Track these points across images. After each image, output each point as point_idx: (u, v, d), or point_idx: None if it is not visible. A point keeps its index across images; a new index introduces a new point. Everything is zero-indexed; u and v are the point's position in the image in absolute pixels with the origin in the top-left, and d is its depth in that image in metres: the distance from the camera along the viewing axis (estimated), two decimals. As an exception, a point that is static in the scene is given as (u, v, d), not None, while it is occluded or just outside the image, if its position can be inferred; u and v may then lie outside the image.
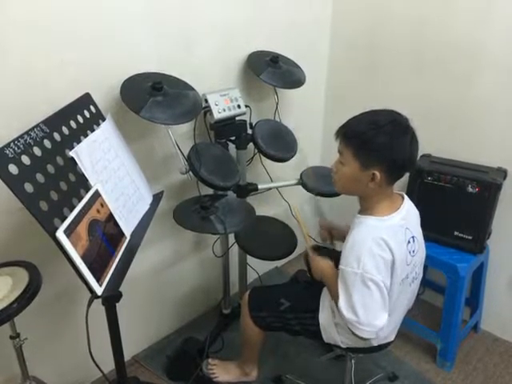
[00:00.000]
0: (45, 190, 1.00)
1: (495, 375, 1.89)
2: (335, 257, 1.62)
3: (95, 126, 1.29)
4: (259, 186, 1.88)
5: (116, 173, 1.29)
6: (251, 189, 1.85)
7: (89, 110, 1.29)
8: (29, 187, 0.96)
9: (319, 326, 1.40)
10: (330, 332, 1.39)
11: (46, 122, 1.09)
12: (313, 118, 2.40)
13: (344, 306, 1.21)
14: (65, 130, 1.15)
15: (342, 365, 1.63)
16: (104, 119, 1.35)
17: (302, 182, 1.91)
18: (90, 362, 1.15)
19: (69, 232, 0.99)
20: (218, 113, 1.68)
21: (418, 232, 1.32)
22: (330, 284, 1.33)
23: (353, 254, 1.20)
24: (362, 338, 1.23)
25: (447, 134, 1.98)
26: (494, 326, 2.10)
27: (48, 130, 1.09)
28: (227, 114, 1.71)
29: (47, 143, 1.07)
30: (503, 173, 1.82)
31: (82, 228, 1.05)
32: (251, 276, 2.16)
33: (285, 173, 2.02)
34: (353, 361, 1.55)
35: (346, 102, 2.30)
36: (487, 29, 1.77)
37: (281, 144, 1.84)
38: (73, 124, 1.20)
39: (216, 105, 1.68)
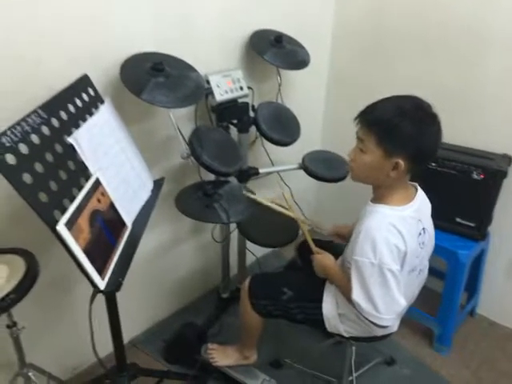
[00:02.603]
0: (44, 180, 0.95)
1: (491, 359, 1.92)
2: (330, 247, 1.60)
3: (94, 110, 1.24)
4: (260, 170, 1.83)
5: (116, 159, 1.24)
6: (252, 173, 1.81)
7: (87, 93, 1.23)
8: (27, 178, 0.91)
9: (322, 316, 1.39)
10: (333, 322, 1.38)
11: (44, 107, 1.03)
12: (314, 101, 2.34)
13: (361, 298, 1.19)
14: (63, 115, 1.10)
15: (340, 350, 1.63)
16: (103, 102, 1.29)
17: (303, 167, 1.87)
18: (86, 347, 1.14)
19: (70, 225, 0.95)
20: (220, 95, 1.62)
21: (429, 224, 1.30)
22: (338, 281, 1.33)
23: (367, 243, 1.17)
24: (381, 327, 1.23)
25: (452, 118, 1.89)
26: (490, 310, 2.11)
27: (46, 116, 1.03)
28: (229, 96, 1.65)
29: (45, 130, 1.01)
30: (508, 159, 1.80)
31: (84, 219, 1.01)
32: (249, 258, 2.15)
33: (286, 156, 1.98)
34: (353, 347, 1.56)
35: (348, 84, 2.25)
36: (494, 9, 1.72)
37: (284, 127, 1.79)
38: (71, 108, 1.14)
39: (218, 86, 1.62)
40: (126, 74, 1.36)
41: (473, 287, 2.05)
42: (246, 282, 1.54)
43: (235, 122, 1.74)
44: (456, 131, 1.90)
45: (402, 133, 1.13)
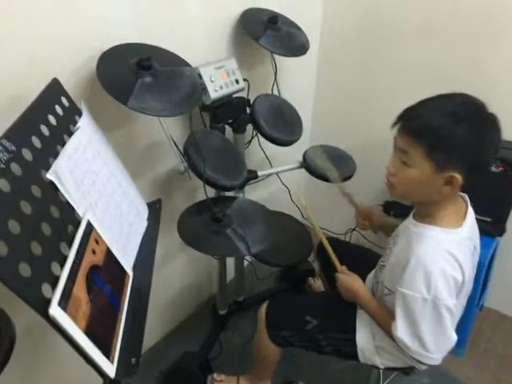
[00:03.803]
0: (23, 244, 0.68)
1: (507, 355, 1.83)
2: (352, 250, 1.43)
3: (72, 127, 0.95)
4: (259, 173, 1.60)
5: (106, 187, 0.98)
6: (251, 177, 1.57)
7: (61, 105, 0.94)
8: (1, 247, 0.64)
9: (356, 348, 1.21)
10: (369, 355, 1.21)
11: (10, 135, 0.75)
12: (303, 90, 2.10)
13: (407, 336, 1.03)
14: (36, 141, 0.81)
15: (358, 369, 1.47)
16: (80, 113, 1.01)
17: (305, 165, 1.65)
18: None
19: (64, 302, 0.69)
20: (215, 91, 1.36)
21: (477, 239, 1.13)
22: (372, 312, 1.15)
23: (419, 276, 0.98)
24: (426, 365, 1.08)
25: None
26: (497, 302, 2.03)
27: (14, 148, 0.74)
28: (225, 91, 1.39)
29: (16, 168, 0.73)
30: (525, 149, 1.66)
31: (79, 287, 0.75)
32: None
33: (283, 154, 1.75)
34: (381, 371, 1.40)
35: (341, 71, 2.02)
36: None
37: (285, 124, 1.56)
38: (44, 130, 0.85)
39: (212, 81, 1.35)
40: (105, 73, 1.07)
41: (484, 282, 1.94)
42: (263, 310, 1.33)
43: (230, 121, 1.49)
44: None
45: (457, 142, 0.93)
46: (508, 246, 1.87)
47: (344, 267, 1.27)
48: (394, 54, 1.84)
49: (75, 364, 0.83)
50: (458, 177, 0.95)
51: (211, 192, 1.44)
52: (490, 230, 1.71)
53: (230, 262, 1.84)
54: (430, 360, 1.05)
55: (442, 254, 0.98)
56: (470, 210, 1.10)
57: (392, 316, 1.07)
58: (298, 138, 1.57)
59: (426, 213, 1.06)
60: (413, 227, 1.07)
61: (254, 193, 1.82)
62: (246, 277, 1.91)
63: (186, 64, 1.22)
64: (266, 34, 1.49)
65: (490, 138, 0.96)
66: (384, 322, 1.13)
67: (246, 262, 1.95)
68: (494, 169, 1.62)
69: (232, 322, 1.89)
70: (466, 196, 1.11)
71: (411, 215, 1.13)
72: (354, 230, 2.09)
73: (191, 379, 1.55)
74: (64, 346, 0.71)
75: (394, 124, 1.03)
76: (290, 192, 1.81)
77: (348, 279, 1.23)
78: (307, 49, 1.59)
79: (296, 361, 1.71)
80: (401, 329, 1.03)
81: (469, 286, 1.08)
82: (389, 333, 1.10)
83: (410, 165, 0.99)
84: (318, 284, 1.93)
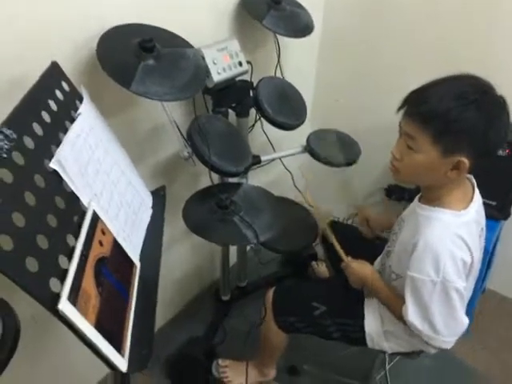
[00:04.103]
0: (29, 237, 0.65)
1: (509, 336, 1.85)
2: (359, 236, 1.42)
3: (73, 112, 0.92)
4: (262, 158, 1.56)
5: (110, 176, 0.94)
6: (254, 162, 1.54)
7: (61, 89, 0.90)
8: (6, 242, 0.61)
9: (364, 334, 1.20)
10: (377, 340, 1.20)
11: (10, 123, 0.71)
12: (305, 71, 2.04)
13: (418, 319, 1.02)
14: (37, 128, 0.78)
15: (363, 353, 1.46)
16: (81, 99, 0.97)
17: (309, 149, 1.62)
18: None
19: (74, 296, 0.67)
20: (218, 74, 1.31)
21: (484, 221, 1.12)
22: (384, 298, 1.14)
23: (428, 259, 0.97)
24: (439, 348, 1.07)
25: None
26: (499, 285, 2.03)
27: (15, 136, 0.71)
28: (228, 74, 1.35)
29: (18, 157, 0.70)
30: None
31: (88, 280, 0.73)
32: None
33: (285, 138, 1.72)
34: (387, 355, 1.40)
35: (344, 52, 1.96)
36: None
37: (289, 107, 1.52)
38: (45, 116, 0.82)
39: (214, 63, 1.30)
40: (106, 56, 1.03)
41: (488, 265, 1.94)
42: (269, 296, 1.31)
43: (234, 105, 1.45)
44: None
45: (466, 126, 0.91)
46: (509, 226, 1.86)
47: (350, 258, 1.25)
48: (399, 32, 1.78)
49: (81, 349, 0.81)
50: (466, 161, 0.94)
51: (215, 178, 1.41)
52: (494, 214, 1.69)
53: (233, 247, 1.83)
54: (442, 343, 1.05)
55: (450, 237, 0.97)
56: (477, 191, 1.08)
57: (402, 300, 1.06)
58: (303, 122, 1.54)
59: (433, 196, 1.04)
60: (420, 210, 1.06)
61: (256, 178, 1.79)
62: (249, 262, 1.90)
63: (189, 45, 1.18)
64: (269, 14, 1.44)
65: (499, 122, 0.94)
66: (395, 306, 1.12)
67: (248, 247, 1.93)
68: (500, 152, 1.60)
69: (235, 307, 1.88)
70: (472, 178, 1.10)
71: (417, 199, 1.12)
72: (356, 214, 2.07)
73: (197, 365, 1.55)
74: (69, 332, 0.70)
75: (400, 108, 1.01)
76: (292, 177, 1.78)
77: (357, 266, 1.21)
78: (312, 29, 1.54)
79: (300, 346, 1.71)
80: (411, 312, 1.03)
81: (477, 268, 1.07)
82: (400, 317, 1.09)
83: (417, 150, 0.97)
84: (321, 268, 1.92)
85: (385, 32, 1.82)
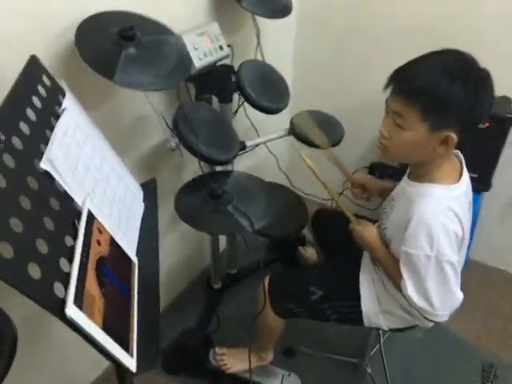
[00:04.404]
0: (28, 243, 0.63)
1: (494, 306, 1.91)
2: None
3: (57, 108, 0.88)
4: (247, 144, 1.54)
5: (100, 172, 0.91)
6: (240, 148, 1.52)
7: (43, 85, 0.86)
8: (6, 250, 0.58)
9: (361, 314, 1.22)
10: (374, 319, 1.22)
11: (-3, 123, 0.68)
12: (284, 54, 2.02)
13: (414, 293, 1.03)
14: (24, 127, 0.74)
15: (356, 330, 1.49)
16: (64, 94, 0.93)
17: (293, 132, 1.60)
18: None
19: (79, 299, 0.65)
20: (199, 59, 1.28)
21: (471, 194, 1.14)
22: (386, 266, 1.14)
23: (422, 234, 0.98)
24: (434, 322, 1.11)
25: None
26: (483, 255, 2.08)
27: (3, 137, 0.67)
28: (209, 59, 1.32)
29: (9, 160, 0.67)
30: (508, 101, 1.67)
31: (91, 281, 0.70)
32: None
33: (268, 121, 1.70)
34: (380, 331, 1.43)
35: (321, 32, 1.95)
36: None
37: (272, 91, 1.50)
38: (31, 114, 0.78)
39: (195, 49, 1.27)
40: (85, 46, 0.98)
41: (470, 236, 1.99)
42: (265, 283, 1.31)
43: (216, 91, 1.42)
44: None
45: (453, 101, 0.92)
46: (491, 200, 1.91)
47: (356, 218, 1.24)
48: (379, 9, 1.78)
49: (76, 348, 0.79)
50: (454, 136, 0.95)
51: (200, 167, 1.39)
52: (476, 186, 1.71)
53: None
54: (437, 317, 1.06)
55: (443, 211, 0.98)
56: (465, 167, 1.10)
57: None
58: (287, 105, 1.53)
59: (423, 172, 1.05)
60: (411, 188, 1.07)
61: (240, 163, 1.77)
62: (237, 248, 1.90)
63: (169, 32, 1.14)
64: (247, -5, 1.40)
65: (484, 95, 0.95)
66: (396, 276, 1.10)
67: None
68: (480, 125, 1.63)
69: (227, 294, 1.88)
70: (459, 153, 1.11)
71: (406, 177, 1.12)
72: (341, 194, 2.08)
73: (194, 355, 1.54)
74: (62, 332, 0.67)
75: (387, 86, 1.00)
76: (277, 160, 1.77)
77: (365, 229, 1.19)
78: (291, 9, 1.52)
79: (294, 327, 1.72)
80: (410, 287, 1.04)
81: (467, 242, 1.09)
82: (399, 287, 1.09)
83: (405, 127, 0.98)
84: (308, 252, 1.93)
85: (365, 10, 1.81)
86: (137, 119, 1.32)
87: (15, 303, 0.91)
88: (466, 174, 1.08)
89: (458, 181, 1.04)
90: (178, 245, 1.78)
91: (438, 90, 0.91)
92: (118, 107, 1.25)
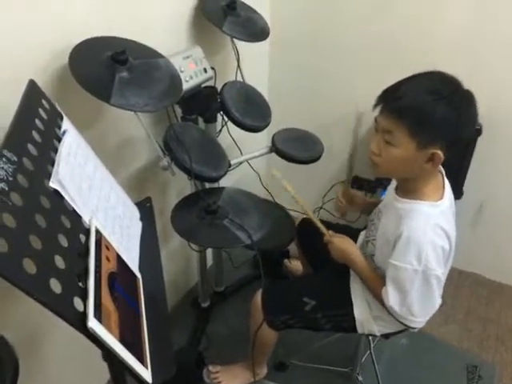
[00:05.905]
0: (48, 259, 0.64)
1: (471, 306, 1.99)
2: (332, 228, 1.47)
3: (57, 130, 0.90)
4: (232, 162, 1.58)
5: (101, 191, 0.93)
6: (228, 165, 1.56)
7: (43, 108, 0.88)
8: (29, 265, 0.60)
9: (354, 321, 1.26)
10: (367, 325, 1.26)
11: (8, 145, 0.69)
12: (259, 72, 2.09)
13: (397, 304, 1.08)
14: (32, 149, 0.76)
15: (343, 340, 1.53)
16: (60, 116, 0.95)
17: (275, 149, 1.66)
18: None
19: (98, 313, 0.66)
20: (186, 81, 1.33)
21: (454, 205, 1.20)
22: (366, 274, 1.20)
23: (411, 249, 1.03)
24: (411, 327, 1.14)
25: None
26: (456, 260, 2.16)
27: (16, 158, 0.69)
28: (195, 81, 1.37)
29: (23, 180, 0.68)
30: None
31: (106, 296, 0.72)
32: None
33: (249, 139, 1.75)
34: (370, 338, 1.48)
35: (293, 52, 2.03)
36: None
37: (254, 110, 1.56)
38: (36, 136, 0.79)
39: (181, 71, 1.32)
40: (79, 70, 1.01)
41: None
42: (258, 298, 1.34)
43: (202, 111, 1.46)
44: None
45: (439, 119, 0.97)
46: (462, 208, 2.00)
47: (331, 231, 1.29)
48: (345, 30, 1.87)
49: (65, 370, 0.78)
50: (440, 153, 1.00)
51: (190, 184, 1.42)
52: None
53: (208, 252, 1.83)
54: (415, 323, 1.12)
55: (432, 229, 1.03)
56: (446, 179, 1.17)
57: (382, 280, 1.12)
58: (269, 123, 1.58)
59: (410, 188, 1.10)
60: (398, 203, 1.12)
61: (224, 180, 1.81)
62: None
63: (159, 55, 1.18)
64: (227, 21, 1.47)
65: (468, 114, 1.01)
66: (375, 285, 1.17)
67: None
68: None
69: (215, 312, 1.88)
70: (441, 167, 1.17)
71: (393, 191, 1.17)
72: (321, 208, 2.15)
73: (187, 375, 1.53)
74: (50, 355, 0.66)
75: (376, 105, 1.05)
76: (259, 176, 1.82)
77: (339, 241, 1.25)
78: (268, 33, 1.59)
79: (282, 341, 1.74)
80: (392, 297, 1.09)
81: (453, 252, 1.15)
82: (378, 296, 1.15)
83: (394, 144, 1.03)
84: (293, 264, 1.96)
85: (333, 30, 1.90)
86: (125, 140, 1.34)
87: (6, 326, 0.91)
88: (448, 187, 1.14)
89: (442, 196, 1.10)
90: (165, 264, 1.77)
91: (424, 109, 0.97)
92: (107, 128, 1.27)
